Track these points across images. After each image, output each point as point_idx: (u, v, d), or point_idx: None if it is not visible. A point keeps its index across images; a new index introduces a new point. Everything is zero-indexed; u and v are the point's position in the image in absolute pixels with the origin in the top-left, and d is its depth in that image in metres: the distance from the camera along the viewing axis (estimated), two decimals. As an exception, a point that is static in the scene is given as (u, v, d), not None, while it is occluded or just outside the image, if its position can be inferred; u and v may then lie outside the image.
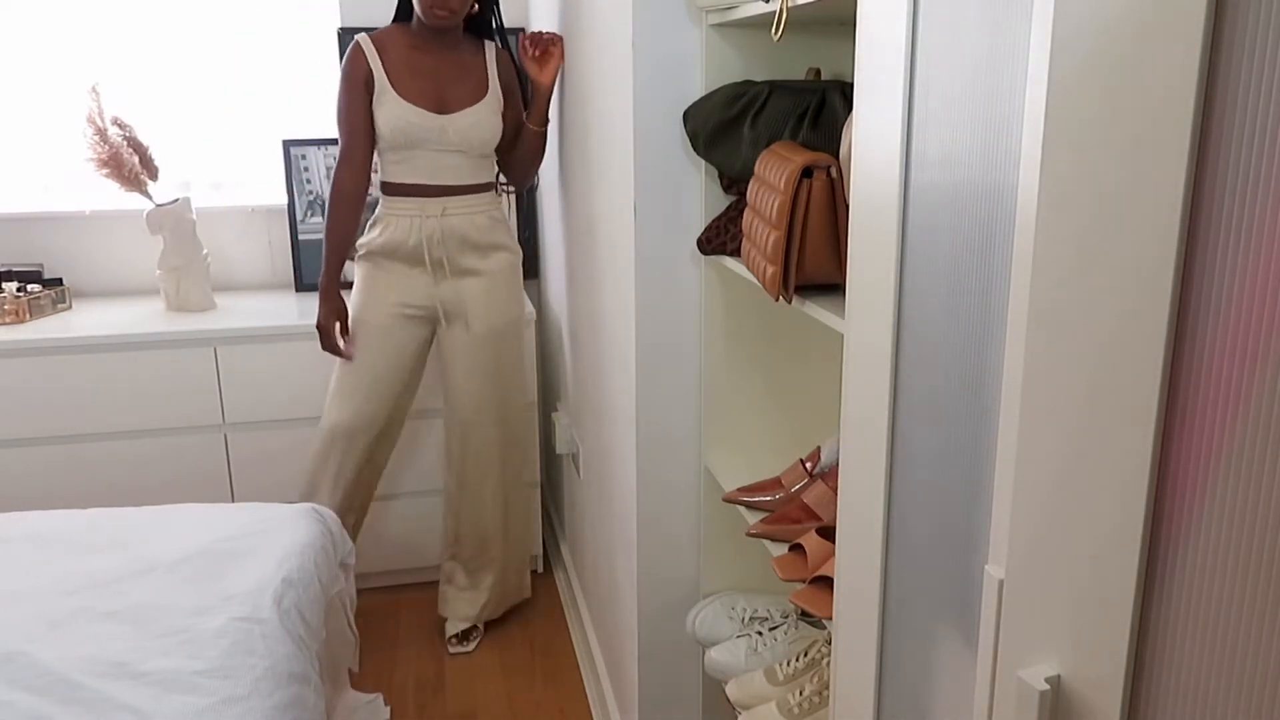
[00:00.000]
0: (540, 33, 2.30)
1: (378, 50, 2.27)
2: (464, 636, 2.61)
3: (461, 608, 2.61)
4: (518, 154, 2.43)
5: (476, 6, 2.34)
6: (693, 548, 1.81)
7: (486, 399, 2.45)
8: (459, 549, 2.58)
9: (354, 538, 2.48)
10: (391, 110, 2.26)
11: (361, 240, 2.39)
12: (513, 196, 3.00)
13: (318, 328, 2.33)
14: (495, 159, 2.43)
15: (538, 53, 2.29)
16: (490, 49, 2.37)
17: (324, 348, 2.34)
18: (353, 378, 2.38)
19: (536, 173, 2.55)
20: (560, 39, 2.29)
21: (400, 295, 2.37)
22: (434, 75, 2.30)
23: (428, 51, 2.30)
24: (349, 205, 2.31)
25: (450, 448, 2.52)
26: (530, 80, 2.34)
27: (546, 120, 2.39)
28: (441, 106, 2.29)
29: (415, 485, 2.77)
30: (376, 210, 2.40)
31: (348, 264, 2.37)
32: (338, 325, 2.33)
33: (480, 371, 2.43)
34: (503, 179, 2.51)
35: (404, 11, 2.34)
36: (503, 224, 2.44)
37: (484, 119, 2.32)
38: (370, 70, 2.27)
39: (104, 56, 2.82)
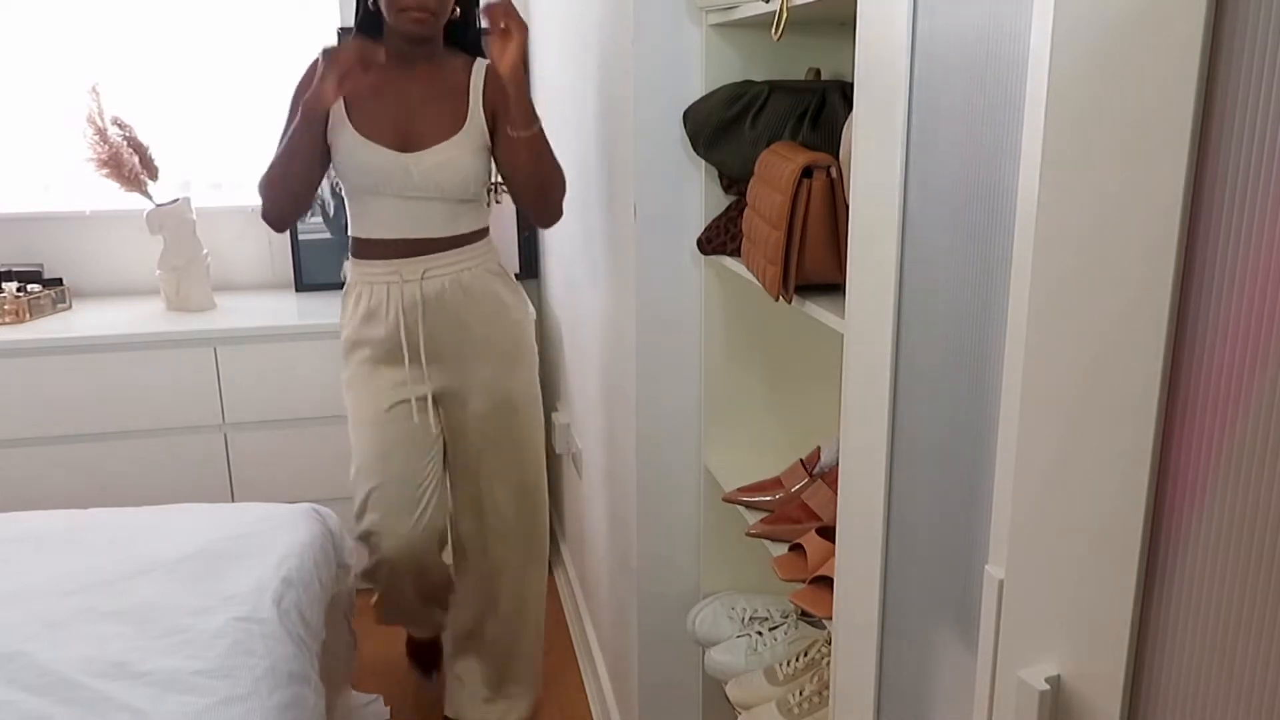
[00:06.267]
0: (494, 1, 1.74)
1: None
2: None
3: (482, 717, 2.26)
4: (515, 178, 1.90)
5: (458, 10, 1.92)
6: (693, 548, 1.81)
7: (497, 471, 2.08)
8: (478, 645, 2.24)
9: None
10: (347, 148, 1.88)
11: (343, 325, 2.04)
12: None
13: (307, 96, 1.81)
14: (485, 201, 2.02)
15: (498, 27, 1.72)
16: (479, 68, 1.92)
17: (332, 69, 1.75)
18: (378, 485, 1.98)
19: (556, 196, 1.94)
20: (514, 12, 1.73)
21: (393, 389, 1.99)
22: (401, 103, 1.89)
23: (398, 73, 1.89)
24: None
25: (460, 529, 2.17)
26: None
27: (531, 120, 1.83)
28: (406, 142, 1.87)
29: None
30: (347, 278, 2.04)
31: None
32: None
33: (489, 445, 2.05)
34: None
35: (371, 24, 1.90)
36: (500, 276, 2.02)
37: (455, 158, 1.87)
38: None
39: (104, 56, 2.82)
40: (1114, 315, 0.58)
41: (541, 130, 1.86)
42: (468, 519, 2.14)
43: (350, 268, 2.02)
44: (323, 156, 1.91)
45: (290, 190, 1.91)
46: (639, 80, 1.57)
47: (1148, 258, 0.55)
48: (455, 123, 1.89)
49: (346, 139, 1.89)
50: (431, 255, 1.94)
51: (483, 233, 2.01)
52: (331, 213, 2.90)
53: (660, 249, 1.65)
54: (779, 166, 1.24)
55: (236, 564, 1.79)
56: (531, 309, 2.12)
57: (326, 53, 1.76)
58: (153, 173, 2.66)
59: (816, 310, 1.20)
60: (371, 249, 1.95)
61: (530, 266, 3.05)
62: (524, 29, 1.74)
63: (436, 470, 2.03)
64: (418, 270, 1.93)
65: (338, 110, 1.88)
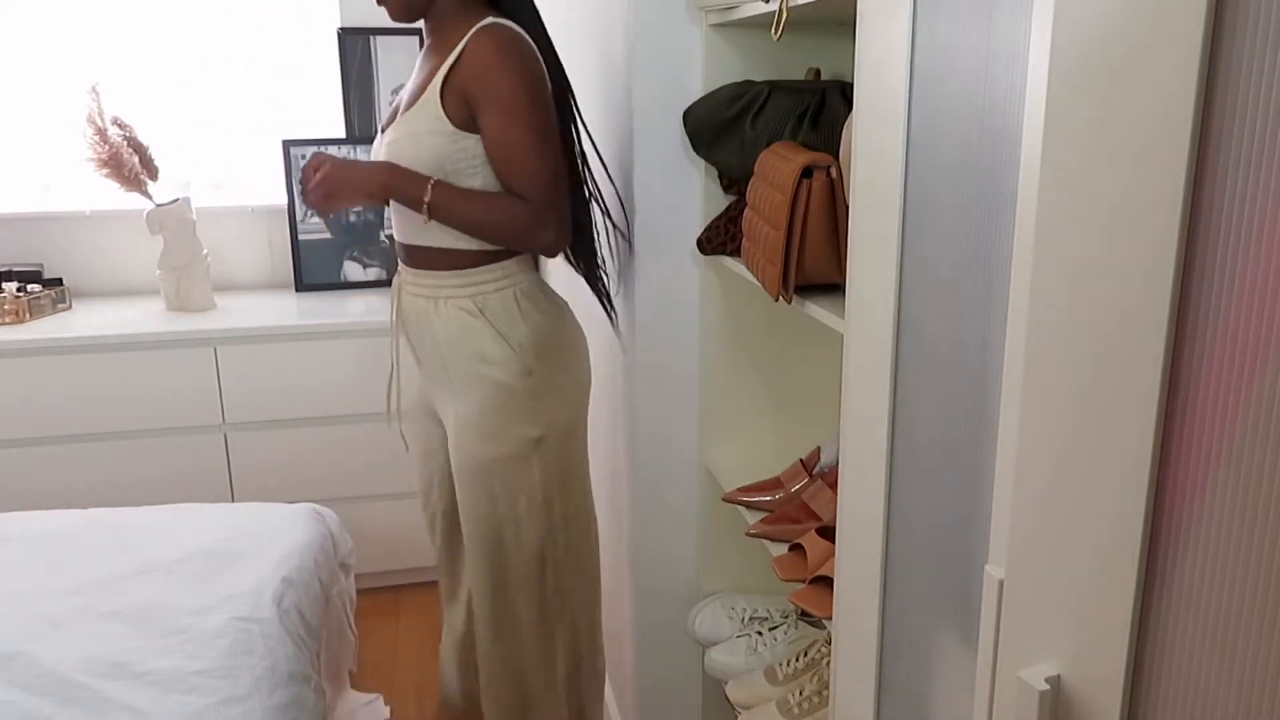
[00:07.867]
0: (309, 164, 1.57)
1: None
2: None
3: None
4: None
5: None
6: (693, 548, 1.81)
7: (475, 540, 1.71)
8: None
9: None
10: None
11: None
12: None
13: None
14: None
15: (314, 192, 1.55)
16: (473, 31, 1.48)
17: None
18: (416, 469, 1.90)
19: (510, 239, 1.58)
20: (322, 164, 1.54)
21: (411, 380, 1.78)
22: (420, 69, 1.60)
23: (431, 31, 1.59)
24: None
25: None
26: None
27: (418, 203, 1.51)
28: (394, 116, 1.60)
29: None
30: None
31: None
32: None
33: (467, 511, 1.69)
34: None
35: None
36: (480, 320, 1.57)
37: (405, 134, 1.51)
38: None
39: (104, 56, 2.82)
40: (1114, 315, 0.58)
41: (439, 202, 1.50)
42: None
43: None
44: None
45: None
46: (639, 80, 1.57)
47: (1148, 257, 0.55)
48: (421, 91, 1.54)
49: None
50: (411, 269, 1.63)
51: (468, 257, 1.56)
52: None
53: (660, 249, 1.65)
54: (779, 166, 1.24)
55: (236, 564, 1.79)
56: (533, 369, 1.60)
57: (304, 200, 1.61)
58: (153, 173, 2.66)
59: (816, 310, 1.20)
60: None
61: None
62: (327, 183, 1.53)
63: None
64: (404, 278, 1.66)
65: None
